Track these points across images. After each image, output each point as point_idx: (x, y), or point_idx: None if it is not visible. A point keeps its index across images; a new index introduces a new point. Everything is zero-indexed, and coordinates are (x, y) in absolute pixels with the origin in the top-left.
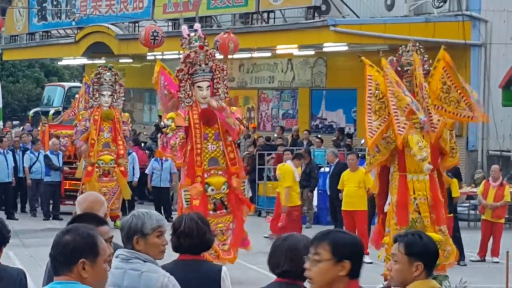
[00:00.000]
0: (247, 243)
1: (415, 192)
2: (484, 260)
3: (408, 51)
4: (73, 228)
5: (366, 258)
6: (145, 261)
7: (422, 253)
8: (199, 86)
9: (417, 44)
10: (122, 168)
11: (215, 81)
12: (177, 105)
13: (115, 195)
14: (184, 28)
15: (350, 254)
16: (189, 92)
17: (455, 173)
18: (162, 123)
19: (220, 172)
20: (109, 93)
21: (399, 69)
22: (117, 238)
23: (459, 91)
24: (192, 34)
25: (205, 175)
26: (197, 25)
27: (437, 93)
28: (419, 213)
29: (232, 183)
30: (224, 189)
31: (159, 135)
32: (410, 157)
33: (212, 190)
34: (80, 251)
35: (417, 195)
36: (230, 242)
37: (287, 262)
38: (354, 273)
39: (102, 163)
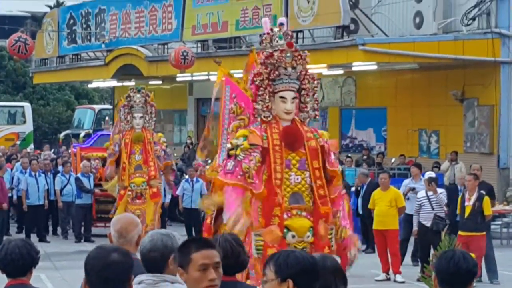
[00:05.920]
0: None
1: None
2: None
3: None
4: (112, 247)
5: (398, 277)
6: (173, 283)
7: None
8: (282, 97)
9: None
10: (155, 189)
11: (302, 92)
12: (243, 126)
13: None
14: (265, 22)
15: (292, 273)
16: (268, 104)
17: (488, 191)
18: (229, 145)
19: (304, 213)
20: (140, 115)
21: None
22: None
23: None
24: (276, 29)
25: (284, 216)
26: (282, 19)
27: None
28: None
29: (319, 230)
30: (308, 236)
31: (222, 160)
32: None
33: (293, 236)
34: (130, 268)
35: None
36: None
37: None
38: None
39: (134, 186)
